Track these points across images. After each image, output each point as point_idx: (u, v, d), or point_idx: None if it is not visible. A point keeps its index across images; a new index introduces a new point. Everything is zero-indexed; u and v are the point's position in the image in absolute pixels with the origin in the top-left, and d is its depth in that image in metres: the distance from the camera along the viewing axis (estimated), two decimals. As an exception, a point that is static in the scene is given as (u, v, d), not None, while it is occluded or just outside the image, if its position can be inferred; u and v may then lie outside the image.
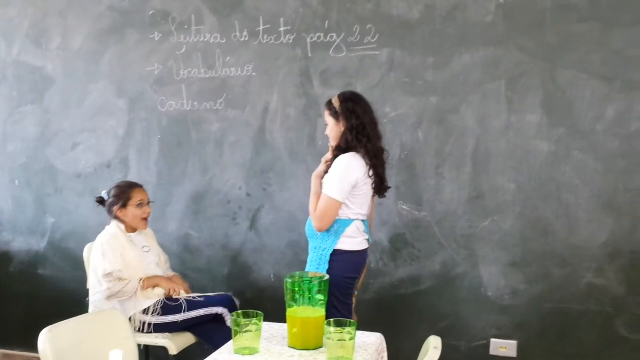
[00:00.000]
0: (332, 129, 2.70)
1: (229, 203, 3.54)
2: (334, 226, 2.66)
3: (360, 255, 2.74)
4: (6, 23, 3.86)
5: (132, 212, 3.06)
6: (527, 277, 3.14)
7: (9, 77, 3.87)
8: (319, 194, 2.66)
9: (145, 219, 3.11)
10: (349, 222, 2.66)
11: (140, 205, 3.08)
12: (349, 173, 2.59)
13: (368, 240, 2.79)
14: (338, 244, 2.66)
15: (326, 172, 2.69)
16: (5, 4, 3.86)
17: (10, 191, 3.89)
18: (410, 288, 3.29)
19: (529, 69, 3.07)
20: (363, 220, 2.73)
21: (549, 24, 3.03)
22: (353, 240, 2.69)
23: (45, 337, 2.03)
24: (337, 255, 2.65)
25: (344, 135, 2.66)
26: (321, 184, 2.68)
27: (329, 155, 2.74)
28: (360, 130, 2.63)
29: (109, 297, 2.91)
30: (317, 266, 2.67)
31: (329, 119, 2.71)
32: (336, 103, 2.68)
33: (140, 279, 2.95)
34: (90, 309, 2.98)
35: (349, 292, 2.72)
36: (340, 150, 2.66)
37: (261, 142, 3.46)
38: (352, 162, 2.61)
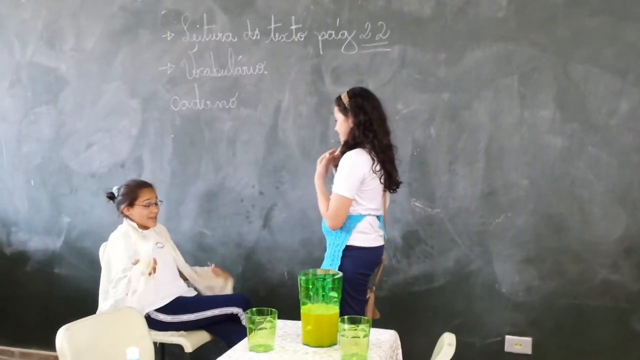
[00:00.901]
0: (341, 125, 2.73)
1: (242, 201, 3.56)
2: (346, 222, 2.67)
3: (374, 251, 2.75)
4: (20, 25, 3.90)
5: (138, 211, 3.08)
6: (541, 273, 3.13)
7: (23, 79, 3.91)
8: (325, 194, 2.70)
9: (153, 218, 3.11)
10: (360, 217, 2.67)
11: (148, 204, 3.09)
12: (355, 169, 2.61)
13: (383, 236, 2.80)
14: (350, 240, 2.68)
15: (335, 166, 2.72)
16: (18, 5, 3.90)
17: (26, 191, 3.93)
18: (423, 285, 3.29)
19: (541, 63, 3.05)
20: (377, 217, 2.74)
21: (561, 18, 3.02)
22: (365, 236, 2.70)
23: (63, 336, 2.06)
24: (349, 251, 2.67)
25: (351, 131, 2.69)
26: (324, 183, 2.72)
27: (326, 155, 2.78)
28: (367, 126, 2.65)
29: (132, 295, 2.91)
30: (330, 262, 2.69)
31: (338, 115, 2.74)
32: (345, 99, 2.71)
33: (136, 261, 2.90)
34: (106, 305, 2.96)
35: (362, 289, 2.73)
36: (348, 146, 2.69)
37: (273, 141, 3.48)
38: (358, 158, 2.63)
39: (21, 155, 3.93)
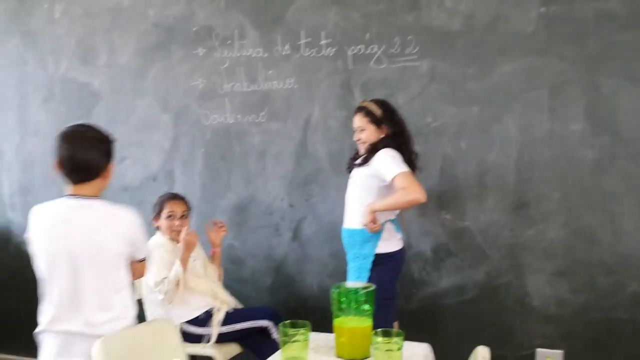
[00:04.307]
0: (372, 134, 2.82)
1: (272, 214, 3.59)
2: (366, 234, 2.71)
3: (398, 255, 2.82)
4: (54, 41, 3.99)
5: (163, 223, 3.13)
6: (572, 286, 3.11)
7: (57, 94, 4.00)
8: (386, 199, 2.73)
9: (175, 231, 3.11)
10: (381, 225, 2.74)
11: (170, 217, 3.13)
12: (398, 156, 2.72)
13: (402, 239, 2.85)
14: (376, 249, 2.71)
15: (361, 163, 2.80)
16: (52, 22, 3.99)
17: (59, 204, 4.00)
18: (454, 298, 3.28)
19: (571, 77, 3.05)
20: (392, 220, 2.79)
21: (591, 32, 3.02)
22: (387, 242, 2.78)
23: (100, 347, 2.08)
24: (377, 260, 2.71)
25: (382, 140, 2.79)
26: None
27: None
28: (400, 135, 2.81)
29: (168, 302, 2.96)
30: (358, 275, 2.71)
31: (368, 125, 2.82)
32: (377, 110, 2.81)
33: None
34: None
35: (394, 296, 2.78)
36: (375, 148, 2.79)
37: (303, 154, 3.51)
38: (395, 152, 2.74)
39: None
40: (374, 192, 2.77)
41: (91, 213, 2.22)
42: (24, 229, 4.05)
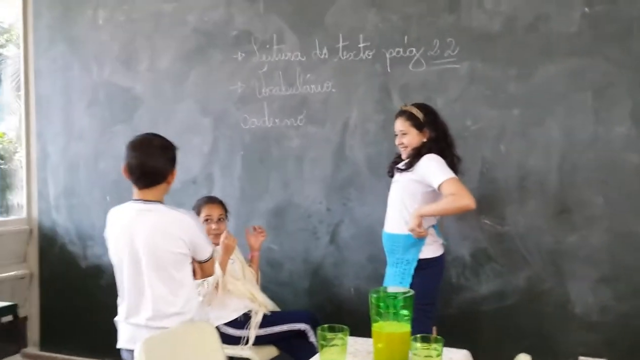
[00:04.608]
0: (414, 138, 2.81)
1: (310, 217, 3.59)
2: (410, 239, 2.69)
3: (440, 260, 2.84)
4: (98, 46, 4.09)
5: None
6: (616, 294, 3.02)
7: (100, 98, 4.09)
8: (433, 204, 2.73)
9: (212, 235, 3.11)
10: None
11: (207, 220, 3.16)
12: (443, 161, 2.71)
13: (443, 244, 2.86)
14: (420, 254, 2.70)
15: (405, 168, 2.78)
16: (96, 28, 4.09)
17: (102, 207, 4.07)
18: (493, 304, 3.23)
19: (616, 78, 2.98)
20: (434, 226, 2.79)
21: (636, 32, 2.94)
22: (430, 247, 2.78)
23: (142, 348, 2.12)
24: (420, 265, 2.71)
25: (425, 144, 2.79)
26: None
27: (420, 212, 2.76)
28: (443, 138, 2.80)
29: (207, 304, 2.99)
30: (400, 280, 2.70)
31: (411, 129, 2.81)
32: (419, 114, 2.81)
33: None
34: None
35: (435, 302, 2.77)
36: (419, 153, 2.78)
37: (341, 157, 3.50)
38: (440, 157, 2.72)
39: (98, 172, 4.09)
40: (418, 198, 2.76)
41: (155, 217, 2.39)
42: (68, 230, 4.19)
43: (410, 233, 2.72)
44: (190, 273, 2.46)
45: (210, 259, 2.53)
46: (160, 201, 2.43)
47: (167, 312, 2.36)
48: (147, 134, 2.53)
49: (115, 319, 2.51)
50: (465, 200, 2.60)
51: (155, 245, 2.35)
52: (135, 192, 2.42)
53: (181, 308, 2.39)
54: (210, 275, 2.64)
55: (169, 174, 2.44)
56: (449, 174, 2.65)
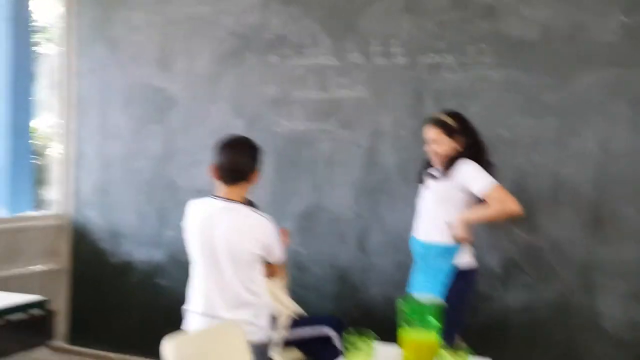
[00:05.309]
0: (446, 145, 2.80)
1: (338, 222, 3.59)
2: (444, 247, 2.70)
3: (474, 273, 2.83)
4: (135, 47, 4.15)
5: None
6: (649, 310, 2.97)
7: (136, 99, 4.14)
8: (475, 210, 2.72)
9: None
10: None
11: None
12: (479, 166, 2.70)
13: (474, 253, 2.86)
14: (453, 263, 2.70)
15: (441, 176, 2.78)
16: (134, 30, 4.15)
17: (134, 205, 4.14)
18: (521, 315, 3.19)
19: (655, 89, 2.93)
20: None
21: (678, 43, 2.89)
22: (464, 256, 2.77)
23: (170, 345, 2.14)
24: (454, 274, 2.71)
25: (459, 151, 2.78)
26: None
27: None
28: (476, 145, 2.79)
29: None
30: (431, 288, 2.69)
31: (442, 137, 2.80)
32: (451, 122, 2.80)
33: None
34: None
35: (464, 309, 2.75)
36: (452, 160, 2.77)
37: (372, 163, 3.50)
38: (475, 164, 2.72)
39: (132, 170, 4.15)
40: (458, 205, 2.76)
41: (235, 216, 2.58)
42: (100, 227, 4.26)
43: (445, 241, 2.73)
44: (261, 271, 2.66)
45: (280, 261, 2.74)
46: (241, 202, 2.61)
47: (239, 303, 2.55)
48: (236, 135, 2.74)
49: (184, 307, 2.69)
50: (513, 206, 2.62)
51: (235, 242, 2.54)
52: (220, 189, 2.61)
53: (252, 301, 2.57)
54: (277, 275, 2.83)
55: (253, 173, 2.62)
56: (492, 180, 2.65)
